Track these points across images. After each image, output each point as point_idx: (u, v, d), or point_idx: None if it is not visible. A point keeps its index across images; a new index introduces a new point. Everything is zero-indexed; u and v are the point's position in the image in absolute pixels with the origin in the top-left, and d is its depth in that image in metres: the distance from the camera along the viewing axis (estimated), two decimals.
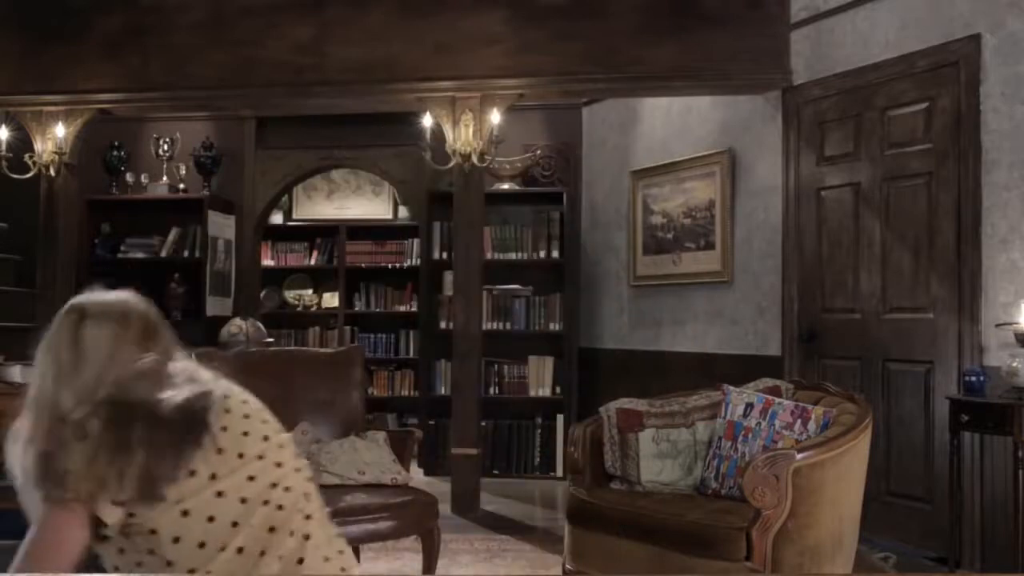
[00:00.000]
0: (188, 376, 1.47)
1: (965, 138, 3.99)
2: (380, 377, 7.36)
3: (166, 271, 6.40)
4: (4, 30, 5.50)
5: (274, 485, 1.44)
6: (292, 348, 6.81)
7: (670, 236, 5.69)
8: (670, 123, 5.75)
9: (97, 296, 1.53)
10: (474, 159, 4.99)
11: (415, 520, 3.20)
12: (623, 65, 5.00)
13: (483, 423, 5.62)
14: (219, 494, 1.38)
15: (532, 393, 6.18)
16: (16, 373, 4.42)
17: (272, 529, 1.40)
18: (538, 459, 6.17)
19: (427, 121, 4.96)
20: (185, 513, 1.36)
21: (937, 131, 4.13)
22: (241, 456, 1.42)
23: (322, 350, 4.60)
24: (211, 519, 1.36)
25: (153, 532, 1.35)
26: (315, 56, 5.22)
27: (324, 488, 3.13)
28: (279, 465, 1.48)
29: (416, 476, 5.67)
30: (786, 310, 4.88)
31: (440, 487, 5.06)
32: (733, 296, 5.26)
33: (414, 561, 3.86)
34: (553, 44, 5.03)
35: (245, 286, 6.73)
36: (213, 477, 1.38)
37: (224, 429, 1.41)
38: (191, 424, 1.38)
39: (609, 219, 6.27)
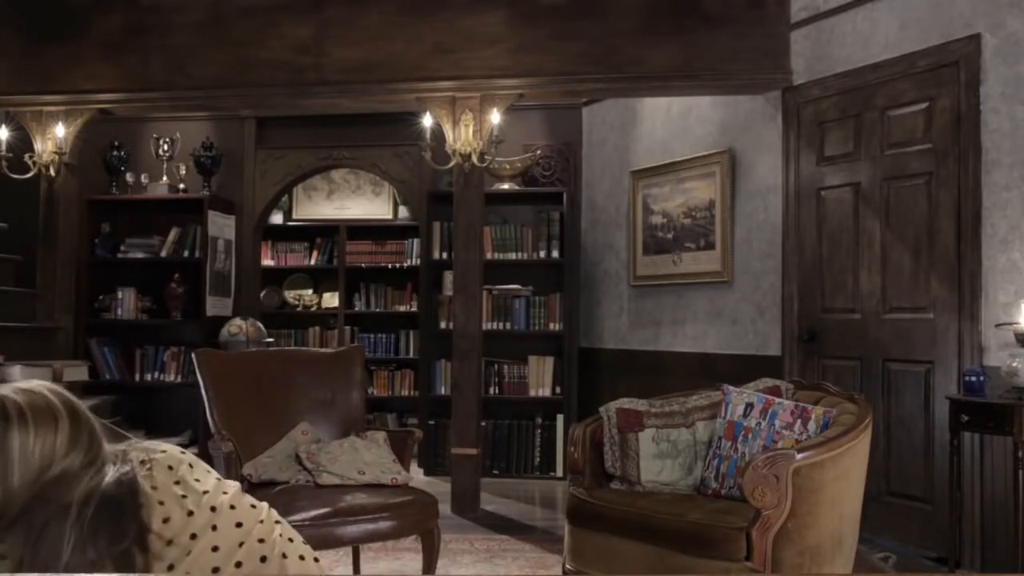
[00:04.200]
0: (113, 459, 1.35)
1: (965, 138, 3.99)
2: (380, 377, 7.35)
3: (166, 271, 6.40)
4: (4, 30, 5.50)
5: (239, 524, 1.42)
6: (292, 348, 6.80)
7: (670, 236, 5.69)
8: (670, 123, 5.75)
9: (17, 393, 1.32)
10: (474, 159, 4.99)
11: (415, 520, 3.20)
12: (623, 65, 5.00)
13: (483, 423, 5.61)
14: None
15: (532, 393, 6.17)
16: (16, 373, 4.42)
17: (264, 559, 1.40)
18: (538, 459, 6.16)
19: (427, 121, 4.96)
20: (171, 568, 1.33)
21: (937, 131, 4.13)
22: (191, 514, 1.38)
23: (322, 350, 4.59)
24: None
25: None
26: (315, 56, 5.22)
27: (324, 488, 3.16)
28: (233, 508, 1.45)
29: (416, 476, 5.67)
30: (786, 310, 4.88)
31: (440, 487, 5.07)
32: (733, 296, 5.25)
33: (414, 561, 3.86)
34: (553, 44, 5.03)
35: (245, 286, 6.72)
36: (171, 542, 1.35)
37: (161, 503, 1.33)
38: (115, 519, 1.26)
39: (609, 219, 6.27)
